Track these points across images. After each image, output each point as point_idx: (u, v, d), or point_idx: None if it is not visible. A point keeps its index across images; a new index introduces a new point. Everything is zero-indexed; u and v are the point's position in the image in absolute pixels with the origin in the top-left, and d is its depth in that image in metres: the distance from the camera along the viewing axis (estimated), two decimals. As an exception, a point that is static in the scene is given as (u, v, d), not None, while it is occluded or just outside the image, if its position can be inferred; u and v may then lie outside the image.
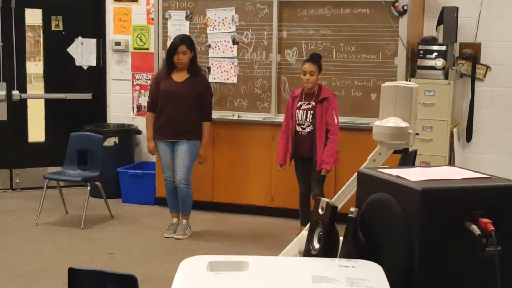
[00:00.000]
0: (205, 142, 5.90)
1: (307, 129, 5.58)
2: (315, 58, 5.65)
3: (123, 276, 2.61)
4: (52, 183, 6.37)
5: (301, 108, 5.60)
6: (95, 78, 7.76)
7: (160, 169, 6.87)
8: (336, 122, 5.55)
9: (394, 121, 2.73)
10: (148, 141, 5.99)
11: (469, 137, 6.56)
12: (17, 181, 7.58)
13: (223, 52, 6.62)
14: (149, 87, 7.42)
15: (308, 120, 5.56)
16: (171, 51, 5.80)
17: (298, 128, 5.61)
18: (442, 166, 2.45)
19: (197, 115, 5.83)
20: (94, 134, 6.66)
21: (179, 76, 5.82)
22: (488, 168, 5.68)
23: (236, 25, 6.59)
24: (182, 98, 5.75)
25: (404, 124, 2.72)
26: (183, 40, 5.85)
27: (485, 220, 1.97)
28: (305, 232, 2.29)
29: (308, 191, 5.73)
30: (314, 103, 5.55)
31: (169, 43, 6.72)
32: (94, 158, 6.46)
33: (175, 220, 6.03)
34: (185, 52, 5.76)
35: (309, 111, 5.57)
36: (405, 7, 6.03)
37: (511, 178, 2.20)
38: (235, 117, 6.60)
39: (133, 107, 7.61)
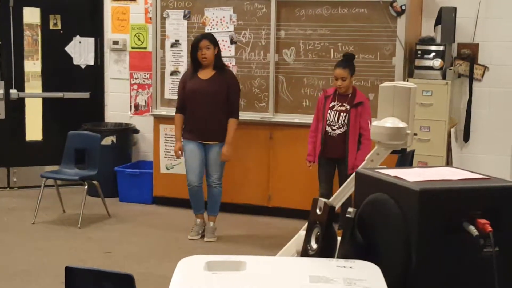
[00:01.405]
0: (230, 140, 5.75)
1: (338, 131, 5.47)
2: (346, 62, 5.48)
3: (121, 275, 2.61)
4: (50, 181, 6.36)
5: (334, 109, 5.49)
6: (93, 77, 7.75)
7: (158, 169, 6.88)
8: (370, 127, 5.44)
9: (392, 122, 2.73)
10: (176, 142, 5.85)
11: (466, 137, 6.56)
12: (15, 179, 7.57)
13: (221, 51, 6.60)
14: (147, 86, 7.44)
15: (340, 122, 5.45)
16: (194, 49, 5.73)
17: (328, 129, 5.49)
18: (440, 166, 2.46)
19: (226, 114, 5.75)
20: (92, 133, 6.65)
21: (205, 74, 5.75)
22: (485, 169, 5.70)
23: (234, 25, 6.59)
24: (210, 95, 5.67)
25: (402, 125, 2.72)
26: (204, 36, 5.83)
27: (483, 221, 1.97)
28: (302, 232, 2.29)
29: (329, 193, 5.60)
30: (348, 106, 5.45)
31: (167, 42, 6.76)
32: (92, 157, 6.45)
33: (198, 221, 5.93)
34: (208, 47, 5.69)
35: (342, 113, 5.46)
36: (403, 7, 6.04)
37: (508, 178, 2.20)
38: (233, 117, 6.59)
39: (130, 106, 7.60)
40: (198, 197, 5.86)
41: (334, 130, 5.49)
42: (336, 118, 5.48)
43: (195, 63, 5.76)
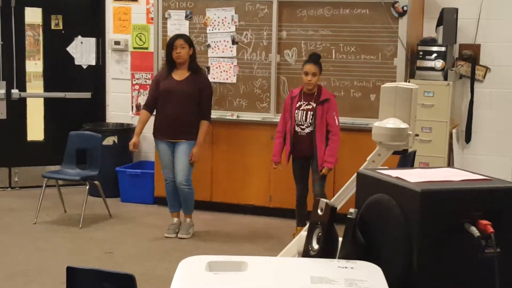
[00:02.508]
0: (200, 141, 5.83)
1: (307, 130, 5.57)
2: (316, 59, 5.64)
3: (122, 276, 2.61)
4: (51, 182, 6.36)
5: (301, 109, 5.60)
6: (95, 77, 7.76)
7: (159, 169, 6.88)
8: (337, 123, 5.55)
9: (393, 122, 2.73)
10: (134, 136, 5.96)
11: (468, 138, 6.56)
12: (16, 179, 7.58)
13: (223, 52, 6.61)
14: (148, 86, 7.44)
15: (308, 120, 5.55)
16: (169, 48, 5.80)
17: (297, 129, 5.60)
18: (441, 167, 2.45)
19: (198, 115, 5.82)
20: (93, 133, 6.66)
21: (180, 74, 5.81)
22: (486, 170, 5.70)
23: (236, 25, 6.59)
24: (183, 96, 5.74)
25: (403, 125, 2.72)
26: (180, 35, 5.89)
27: (485, 221, 1.97)
28: (304, 233, 2.29)
29: (304, 192, 5.73)
30: (314, 104, 5.54)
31: (168, 42, 6.75)
32: (93, 157, 6.46)
33: (175, 220, 6.03)
34: (182, 46, 5.75)
35: (309, 112, 5.56)
36: (405, 8, 6.04)
37: (509, 179, 2.20)
38: (234, 117, 6.60)
39: (132, 107, 7.61)
40: (175, 194, 5.93)
41: (303, 129, 5.58)
42: (304, 117, 5.56)
43: (170, 64, 5.81)
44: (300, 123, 5.59)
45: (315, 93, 5.59)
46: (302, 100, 5.61)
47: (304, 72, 5.58)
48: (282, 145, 5.71)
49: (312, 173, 5.64)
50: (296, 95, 5.66)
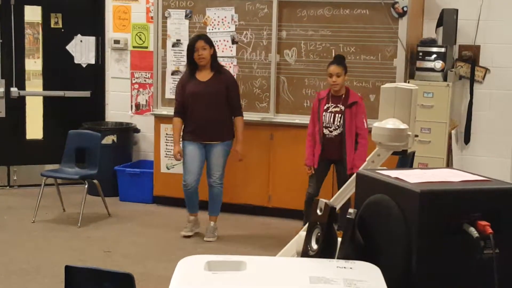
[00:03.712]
0: (241, 138, 5.78)
1: (335, 132, 5.49)
2: (340, 60, 5.58)
3: (120, 275, 2.61)
4: (50, 180, 6.36)
5: (329, 111, 5.52)
6: (94, 76, 7.75)
7: (158, 168, 6.88)
8: (365, 126, 5.45)
9: (393, 123, 2.73)
10: (175, 145, 5.81)
11: (467, 139, 6.56)
12: (15, 178, 7.57)
13: (222, 51, 6.61)
14: (148, 85, 7.44)
15: (336, 123, 5.48)
16: (190, 50, 5.73)
17: (325, 131, 5.51)
18: (441, 168, 2.45)
19: (228, 113, 5.77)
20: (92, 132, 6.65)
21: (204, 76, 5.76)
22: (485, 171, 5.69)
23: (236, 25, 6.59)
24: (210, 96, 5.67)
25: (403, 126, 2.72)
26: (200, 36, 5.82)
27: (483, 222, 1.97)
28: (303, 233, 2.29)
29: (316, 191, 5.62)
30: (343, 107, 5.47)
31: (168, 42, 6.76)
32: (92, 156, 6.45)
33: (192, 218, 5.94)
34: (204, 47, 5.69)
35: (337, 114, 5.48)
36: (405, 9, 6.04)
37: (508, 180, 2.20)
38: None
39: (131, 106, 7.60)
40: (193, 198, 5.88)
41: (331, 132, 5.51)
42: (331, 120, 5.50)
43: (192, 65, 5.76)
44: (328, 126, 5.50)
45: (343, 96, 5.52)
46: (330, 102, 5.53)
47: (328, 74, 5.51)
48: (313, 148, 5.59)
49: (338, 176, 5.56)
50: (323, 97, 5.58)
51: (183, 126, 5.81)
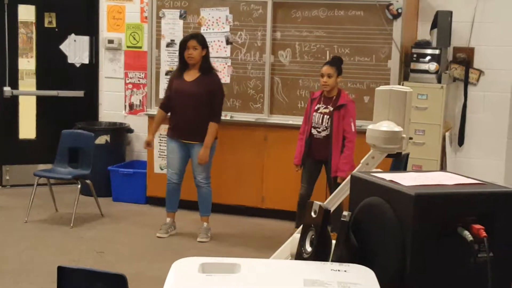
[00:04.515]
0: (207, 143, 5.74)
1: (323, 133, 5.51)
2: (333, 61, 5.60)
3: (113, 276, 2.60)
4: (43, 180, 6.34)
5: (318, 111, 5.54)
6: (88, 75, 7.73)
7: (152, 168, 6.87)
8: (353, 130, 5.46)
9: (387, 125, 2.72)
10: (149, 135, 5.99)
11: (461, 142, 6.57)
12: (7, 177, 7.54)
13: (217, 52, 6.60)
14: (141, 85, 7.44)
15: (324, 124, 5.50)
16: (182, 47, 5.75)
17: (314, 131, 5.54)
18: (435, 171, 2.45)
19: (208, 116, 5.78)
20: (86, 132, 6.64)
21: (191, 75, 5.77)
22: (479, 173, 5.70)
23: (230, 25, 6.58)
24: (191, 97, 5.69)
25: (397, 128, 2.71)
26: (193, 36, 5.82)
27: (478, 226, 1.97)
28: (297, 235, 2.28)
29: (308, 192, 5.64)
30: (331, 108, 5.50)
31: (162, 42, 6.75)
32: (85, 156, 6.44)
33: (168, 219, 5.99)
34: (195, 47, 5.69)
35: (325, 115, 5.50)
36: (399, 11, 6.04)
37: (502, 182, 2.20)
38: (228, 117, 6.58)
39: (125, 106, 7.59)
40: (174, 195, 5.93)
41: (319, 132, 5.54)
42: (320, 121, 5.52)
43: (183, 63, 5.77)
44: (316, 126, 5.53)
45: (334, 97, 5.53)
46: (321, 103, 5.56)
47: (320, 73, 5.55)
48: (303, 147, 5.62)
49: (327, 177, 5.59)
50: (316, 98, 5.60)
51: (163, 120, 5.92)
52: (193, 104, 5.70)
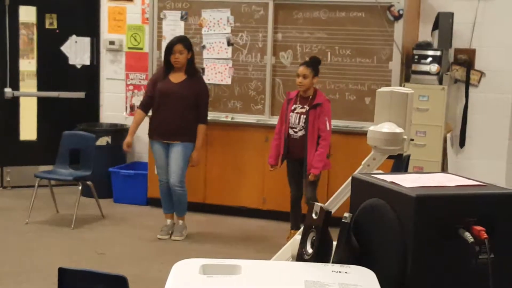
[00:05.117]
0: (199, 145, 5.87)
1: (299, 133, 5.57)
2: (310, 62, 5.65)
3: (114, 277, 2.60)
4: (43, 182, 6.34)
5: (295, 112, 5.60)
6: (89, 77, 7.73)
7: (152, 170, 6.86)
8: (327, 129, 5.53)
9: (388, 127, 2.72)
10: (128, 136, 6.00)
11: (462, 143, 6.57)
12: (8, 179, 7.54)
13: (218, 53, 6.61)
14: (143, 87, 7.43)
15: (300, 124, 5.56)
16: (168, 51, 5.79)
17: (291, 131, 5.61)
18: (436, 172, 2.45)
19: (193, 117, 5.81)
20: (87, 133, 6.64)
21: (176, 77, 5.80)
22: (480, 174, 5.71)
23: (231, 27, 6.58)
24: (179, 99, 5.73)
25: (399, 130, 2.71)
26: (180, 39, 5.86)
27: (479, 227, 1.96)
28: (298, 236, 2.28)
29: (299, 194, 5.73)
30: (307, 108, 5.54)
31: (163, 43, 6.74)
32: (86, 158, 6.44)
33: (168, 221, 6.02)
34: (181, 51, 5.74)
35: (302, 115, 5.56)
36: (401, 12, 6.04)
37: (503, 183, 2.20)
38: (229, 119, 6.59)
39: (126, 107, 7.59)
40: (168, 194, 5.95)
41: (296, 132, 5.59)
42: (297, 121, 5.57)
43: (168, 65, 5.80)
44: (293, 126, 5.59)
45: (310, 97, 5.59)
46: (298, 103, 5.61)
47: (296, 74, 5.59)
48: (278, 147, 5.69)
49: (303, 177, 5.65)
50: (292, 98, 5.67)
51: (142, 120, 5.98)
52: (178, 105, 5.74)
